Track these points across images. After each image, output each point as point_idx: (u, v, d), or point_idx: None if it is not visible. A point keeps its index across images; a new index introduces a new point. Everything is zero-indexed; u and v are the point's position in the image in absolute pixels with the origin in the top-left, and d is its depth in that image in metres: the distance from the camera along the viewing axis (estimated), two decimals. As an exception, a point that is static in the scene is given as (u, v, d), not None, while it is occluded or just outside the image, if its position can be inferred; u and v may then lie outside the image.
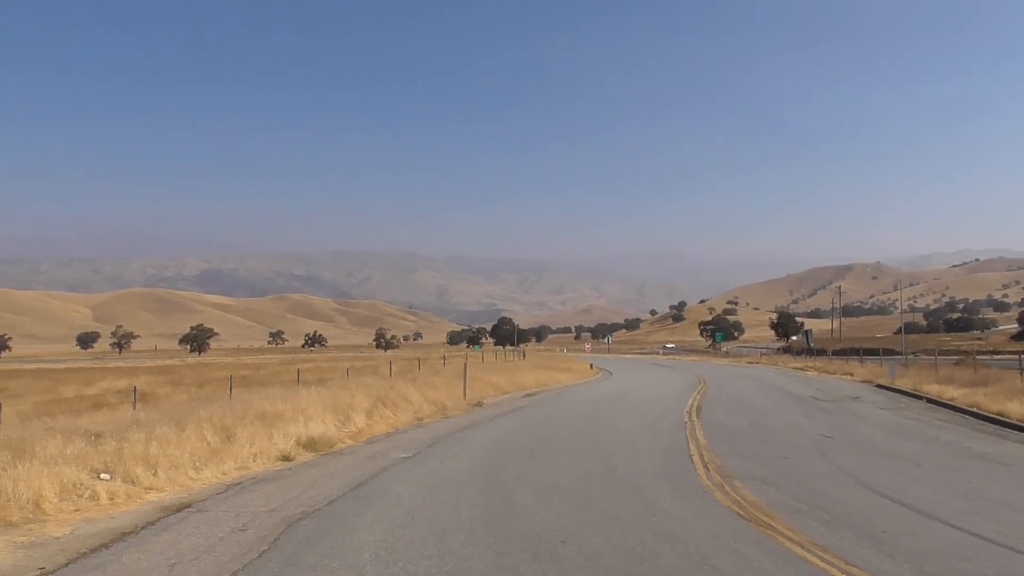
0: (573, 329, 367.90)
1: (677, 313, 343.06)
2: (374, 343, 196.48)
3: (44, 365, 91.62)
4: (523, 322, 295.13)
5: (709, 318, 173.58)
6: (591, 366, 55.57)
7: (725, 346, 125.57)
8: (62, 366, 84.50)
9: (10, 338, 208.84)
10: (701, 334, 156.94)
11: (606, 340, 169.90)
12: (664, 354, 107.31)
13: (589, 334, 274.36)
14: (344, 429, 17.39)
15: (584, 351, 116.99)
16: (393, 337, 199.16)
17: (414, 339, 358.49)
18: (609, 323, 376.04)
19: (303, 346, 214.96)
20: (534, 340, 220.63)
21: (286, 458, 13.87)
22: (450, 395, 25.67)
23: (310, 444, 14.96)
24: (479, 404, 25.86)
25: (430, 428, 19.27)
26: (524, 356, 68.40)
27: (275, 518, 9.14)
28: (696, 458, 13.72)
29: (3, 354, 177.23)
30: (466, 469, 12.75)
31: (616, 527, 8.57)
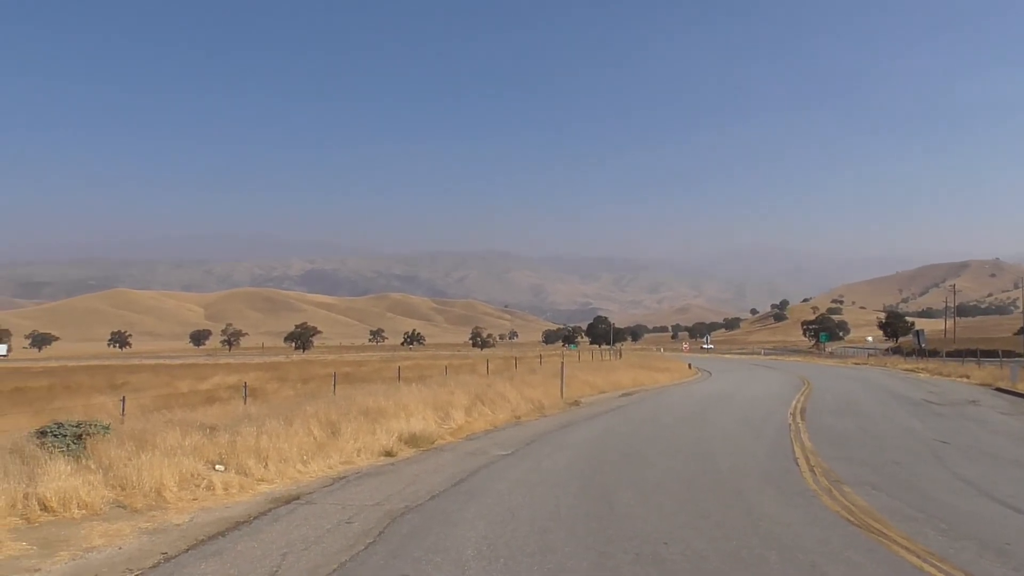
0: (670, 328, 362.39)
1: (778, 312, 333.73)
2: (470, 341, 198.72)
3: (161, 361, 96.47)
4: (619, 321, 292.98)
5: (812, 317, 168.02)
6: (689, 366, 54.69)
7: (829, 346, 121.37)
8: (177, 362, 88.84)
9: (130, 335, 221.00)
10: (804, 334, 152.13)
11: (704, 340, 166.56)
12: (765, 355, 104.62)
13: (687, 333, 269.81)
14: (444, 426, 17.66)
15: (682, 351, 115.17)
16: (489, 336, 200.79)
17: (509, 338, 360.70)
18: (707, 322, 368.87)
19: (402, 344, 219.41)
20: (630, 339, 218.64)
21: (388, 453, 14.18)
22: (547, 394, 25.71)
23: (411, 440, 15.25)
24: (576, 403, 25.82)
25: (528, 426, 19.36)
26: (620, 355, 67.87)
27: (379, 512, 9.36)
28: (802, 461, 13.33)
29: (124, 350, 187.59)
30: (565, 468, 12.76)
31: (720, 530, 8.41)
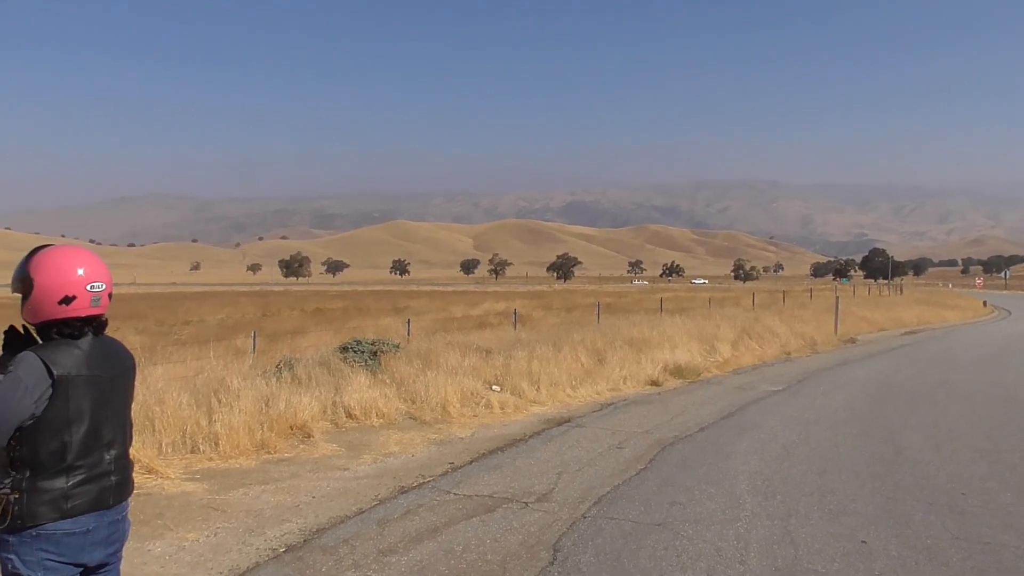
0: (960, 262, 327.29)
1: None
2: (732, 274, 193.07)
3: (436, 288, 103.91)
4: (898, 254, 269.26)
5: None
6: (984, 303, 49.19)
7: None
8: (450, 289, 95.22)
9: (409, 264, 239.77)
10: None
11: (1002, 275, 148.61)
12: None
13: (980, 268, 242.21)
14: (710, 359, 17.36)
15: (975, 287, 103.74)
16: (752, 268, 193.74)
17: (774, 271, 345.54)
18: (1006, 255, 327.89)
19: (660, 276, 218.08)
20: (912, 274, 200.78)
21: (654, 383, 14.21)
22: (819, 329, 24.36)
23: (677, 371, 15.16)
24: (852, 340, 24.24)
25: (798, 363, 18.49)
26: (901, 291, 62.54)
27: (649, 439, 9.41)
28: None
29: (403, 277, 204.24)
30: (843, 407, 12.03)
31: (1032, 486, 7.50)
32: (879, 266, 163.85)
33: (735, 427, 10.35)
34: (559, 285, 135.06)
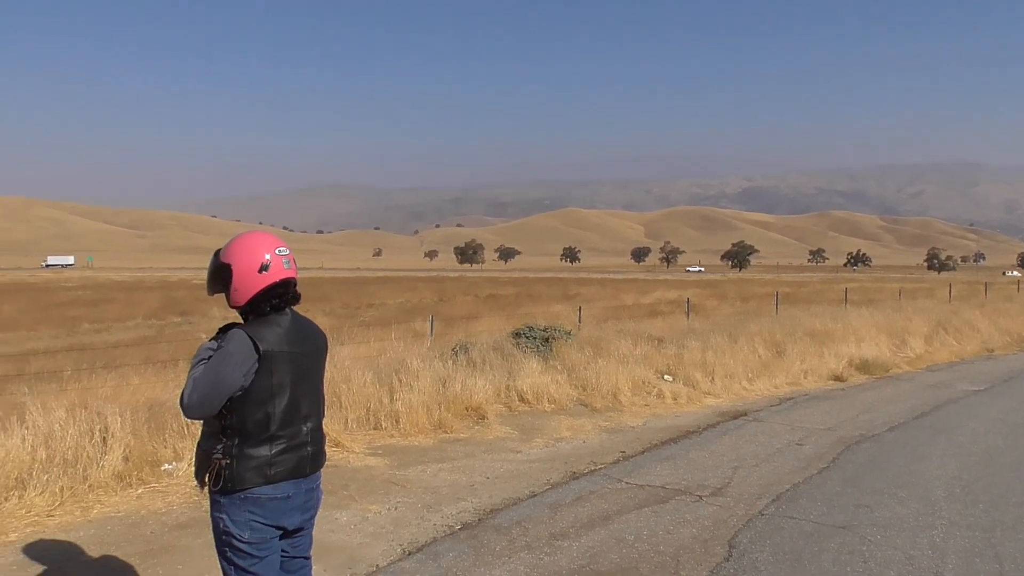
0: None
1: None
2: (925, 264, 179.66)
3: (606, 276, 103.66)
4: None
5: None
6: None
7: None
8: (620, 277, 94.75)
9: (579, 251, 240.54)
10: None
11: None
12: None
13: None
14: (900, 354, 16.25)
15: None
16: (949, 258, 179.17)
17: (974, 260, 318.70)
18: None
19: (844, 265, 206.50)
20: None
21: (838, 378, 13.48)
22: (1028, 325, 22.17)
23: (863, 366, 14.29)
24: (1069, 338, 21.89)
25: (1003, 361, 16.95)
26: None
27: (831, 437, 8.93)
28: None
29: (573, 264, 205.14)
30: (1058, 412, 10.91)
31: None
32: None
33: (929, 428, 9.62)
34: (734, 274, 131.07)
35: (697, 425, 9.52)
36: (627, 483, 6.94)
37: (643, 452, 8.16)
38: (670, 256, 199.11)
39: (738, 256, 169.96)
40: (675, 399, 10.92)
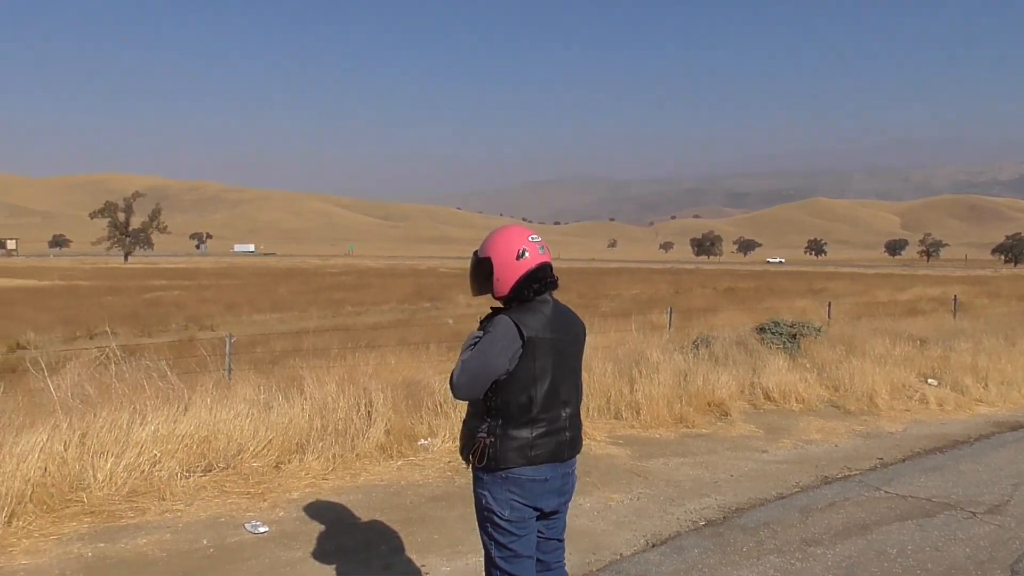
0: None
1: None
2: None
3: (856, 270, 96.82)
4: None
5: None
6: None
7: None
8: (872, 271, 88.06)
9: (825, 243, 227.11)
10: None
11: None
12: None
13: None
14: None
15: None
16: None
17: None
18: None
19: None
20: None
21: None
22: None
23: None
24: None
25: None
26: None
27: None
28: None
29: (819, 257, 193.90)
30: None
31: None
32: None
33: None
34: (1007, 269, 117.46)
35: (967, 435, 8.64)
36: (886, 492, 6.45)
37: (904, 460, 7.54)
38: (931, 249, 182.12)
39: (1013, 249, 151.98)
40: (940, 405, 9.98)
